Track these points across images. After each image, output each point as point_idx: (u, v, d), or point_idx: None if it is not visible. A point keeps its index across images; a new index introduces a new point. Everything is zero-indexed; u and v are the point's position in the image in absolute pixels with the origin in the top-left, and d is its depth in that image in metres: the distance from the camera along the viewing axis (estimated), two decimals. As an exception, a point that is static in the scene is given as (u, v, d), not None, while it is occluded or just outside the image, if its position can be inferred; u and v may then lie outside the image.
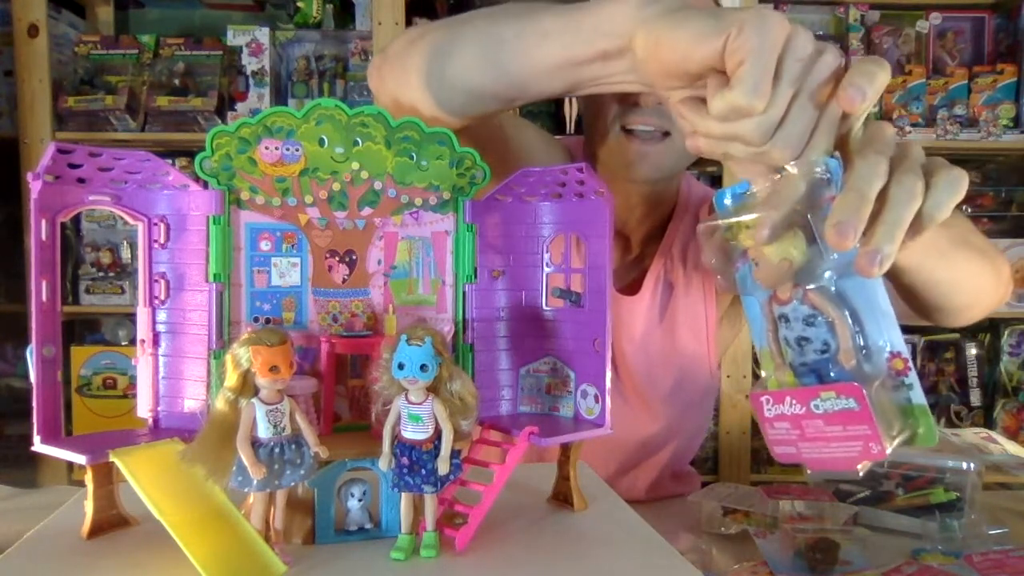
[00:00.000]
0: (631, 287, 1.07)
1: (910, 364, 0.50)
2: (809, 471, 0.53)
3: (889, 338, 0.50)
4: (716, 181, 1.94)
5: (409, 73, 0.72)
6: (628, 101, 0.93)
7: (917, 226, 0.49)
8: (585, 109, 1.06)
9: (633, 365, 1.06)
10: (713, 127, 0.51)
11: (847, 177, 0.48)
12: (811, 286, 0.51)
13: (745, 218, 0.52)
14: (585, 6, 0.59)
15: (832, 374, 0.51)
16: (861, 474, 0.50)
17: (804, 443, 0.51)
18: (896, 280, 0.72)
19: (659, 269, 1.07)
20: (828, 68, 0.50)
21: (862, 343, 0.50)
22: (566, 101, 1.95)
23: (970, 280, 0.78)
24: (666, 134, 0.94)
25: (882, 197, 0.48)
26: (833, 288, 0.51)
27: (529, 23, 0.63)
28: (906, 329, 0.51)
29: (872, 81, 0.48)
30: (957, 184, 0.50)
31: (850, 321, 0.50)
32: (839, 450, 0.50)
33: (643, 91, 0.61)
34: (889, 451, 0.48)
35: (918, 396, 0.50)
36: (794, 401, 0.51)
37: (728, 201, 0.55)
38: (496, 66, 0.66)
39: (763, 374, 0.55)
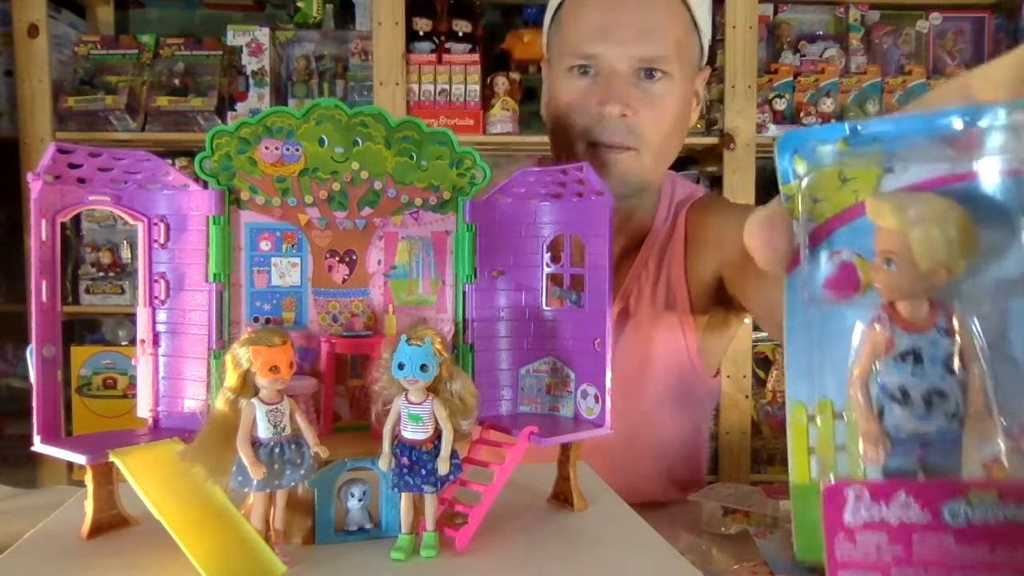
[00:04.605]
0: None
1: None
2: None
3: None
4: (716, 182, 1.94)
5: None
6: (593, 115, 0.96)
7: None
8: (552, 129, 1.06)
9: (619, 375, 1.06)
10: None
11: None
12: (970, 307, 0.31)
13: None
14: None
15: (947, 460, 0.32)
16: None
17: (902, 570, 0.31)
18: None
19: (634, 285, 1.08)
20: None
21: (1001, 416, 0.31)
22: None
23: None
24: (631, 150, 0.96)
25: None
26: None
27: None
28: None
29: None
30: None
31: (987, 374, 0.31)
32: None
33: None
34: None
35: None
36: (912, 500, 0.31)
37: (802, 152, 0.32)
38: None
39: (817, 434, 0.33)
